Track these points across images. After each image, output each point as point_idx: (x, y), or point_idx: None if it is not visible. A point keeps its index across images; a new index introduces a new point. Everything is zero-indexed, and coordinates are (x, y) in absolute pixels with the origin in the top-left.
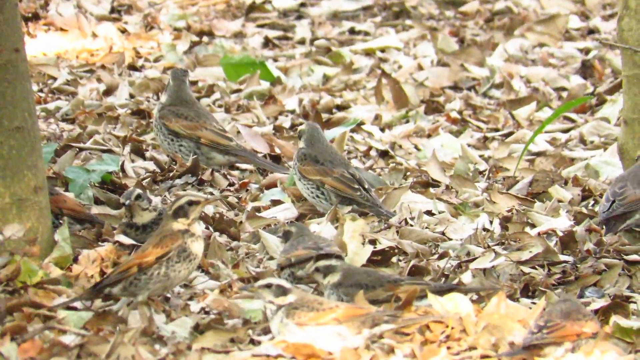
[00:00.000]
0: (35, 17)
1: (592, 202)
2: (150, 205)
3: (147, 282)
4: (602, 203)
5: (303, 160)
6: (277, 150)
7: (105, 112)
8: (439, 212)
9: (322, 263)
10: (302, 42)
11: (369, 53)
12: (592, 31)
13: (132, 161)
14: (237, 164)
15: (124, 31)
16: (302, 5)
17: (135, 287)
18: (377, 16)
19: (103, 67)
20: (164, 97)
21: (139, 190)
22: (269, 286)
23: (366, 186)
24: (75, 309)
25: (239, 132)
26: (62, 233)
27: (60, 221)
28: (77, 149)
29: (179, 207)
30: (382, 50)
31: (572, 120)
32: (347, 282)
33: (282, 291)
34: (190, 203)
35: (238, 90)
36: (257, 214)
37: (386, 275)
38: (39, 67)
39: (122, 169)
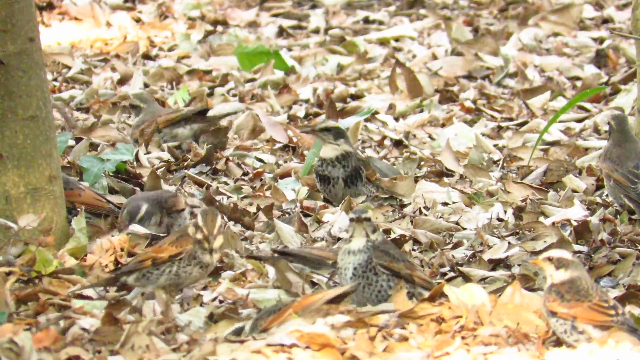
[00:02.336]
0: (50, 7)
1: (605, 192)
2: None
3: (158, 277)
4: (623, 185)
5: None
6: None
7: (120, 102)
8: (453, 202)
9: (370, 215)
10: (316, 31)
11: (383, 42)
12: (606, 20)
13: (147, 151)
14: (206, 129)
15: (138, 20)
16: None
17: (147, 280)
18: (392, 5)
19: (117, 56)
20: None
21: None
22: (368, 219)
23: None
24: (90, 298)
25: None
26: (79, 223)
27: (77, 210)
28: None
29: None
30: (397, 40)
31: (586, 110)
32: (381, 246)
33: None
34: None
35: (252, 80)
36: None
37: (404, 255)
38: (54, 56)
39: (137, 158)
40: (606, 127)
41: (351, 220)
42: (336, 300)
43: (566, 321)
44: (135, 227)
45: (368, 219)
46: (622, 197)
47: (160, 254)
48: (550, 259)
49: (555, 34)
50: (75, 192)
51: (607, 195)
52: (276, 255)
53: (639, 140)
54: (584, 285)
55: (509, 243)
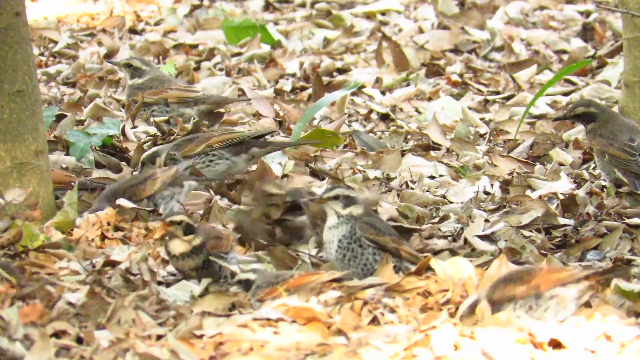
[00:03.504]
0: None
1: (592, 165)
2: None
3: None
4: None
5: (179, 148)
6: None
7: (106, 76)
8: (440, 175)
9: (342, 192)
10: (302, 5)
11: (369, 16)
12: None
13: (133, 125)
14: (212, 110)
15: None
16: None
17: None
18: None
19: (104, 30)
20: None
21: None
22: (336, 197)
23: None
24: (77, 273)
25: (241, 94)
26: (70, 197)
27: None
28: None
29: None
30: (383, 13)
31: (573, 83)
32: (364, 218)
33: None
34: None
35: (239, 54)
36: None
37: (392, 229)
38: (40, 30)
39: (123, 133)
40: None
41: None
42: (330, 283)
43: (527, 298)
44: (122, 201)
45: (333, 197)
46: (616, 171)
47: None
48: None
49: (542, 7)
50: None
51: (594, 169)
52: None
53: (621, 115)
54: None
55: (486, 220)
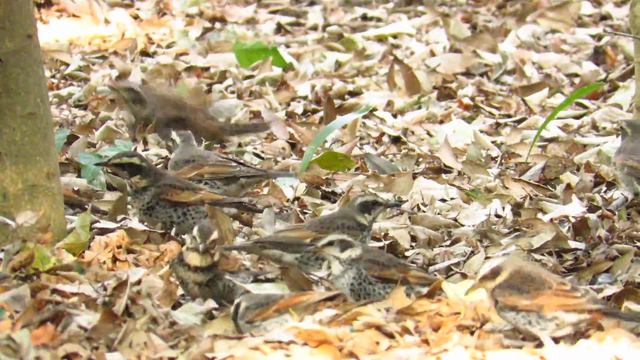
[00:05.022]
0: (48, 3)
1: (604, 188)
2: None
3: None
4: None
5: (175, 167)
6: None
7: (118, 98)
8: (451, 198)
9: (336, 237)
10: (314, 28)
11: (381, 39)
12: (604, 17)
13: (145, 147)
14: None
15: (136, 17)
16: None
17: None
18: (389, 2)
19: (115, 53)
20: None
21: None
22: (331, 243)
23: (241, 161)
24: (88, 295)
25: (252, 117)
26: (83, 220)
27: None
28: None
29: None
30: (395, 37)
31: (585, 107)
32: (366, 256)
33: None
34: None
35: (250, 77)
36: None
37: (395, 258)
38: (52, 53)
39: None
40: (604, 124)
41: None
42: (324, 302)
43: (529, 313)
44: (133, 223)
45: (327, 244)
46: (635, 183)
47: None
48: (485, 278)
49: (554, 31)
50: None
51: (605, 192)
52: (251, 244)
53: None
54: (538, 275)
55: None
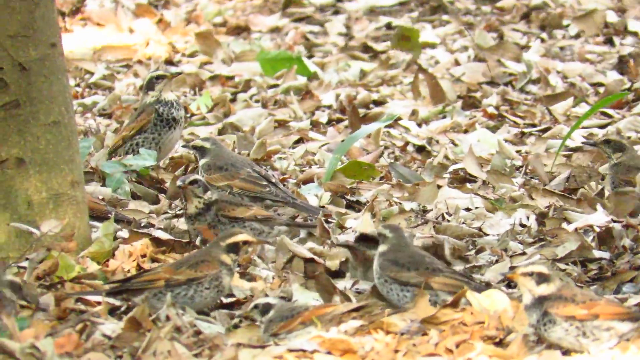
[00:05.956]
0: (73, 12)
1: None
2: (204, 195)
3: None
4: None
5: (208, 171)
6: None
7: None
8: (476, 208)
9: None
10: (339, 36)
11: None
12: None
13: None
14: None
15: (160, 23)
16: (339, 0)
17: (158, 301)
18: (414, 11)
19: (140, 62)
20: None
21: (195, 176)
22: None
23: (273, 181)
24: (112, 304)
25: (278, 125)
26: (106, 228)
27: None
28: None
29: (234, 243)
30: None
31: (609, 116)
32: (388, 255)
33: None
34: (245, 242)
35: (275, 86)
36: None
37: (430, 262)
38: (76, 61)
39: (159, 164)
40: (629, 134)
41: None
42: (349, 313)
43: (584, 323)
44: (158, 233)
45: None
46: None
47: (176, 275)
48: (529, 274)
49: (578, 39)
50: None
51: None
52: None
53: None
54: (578, 290)
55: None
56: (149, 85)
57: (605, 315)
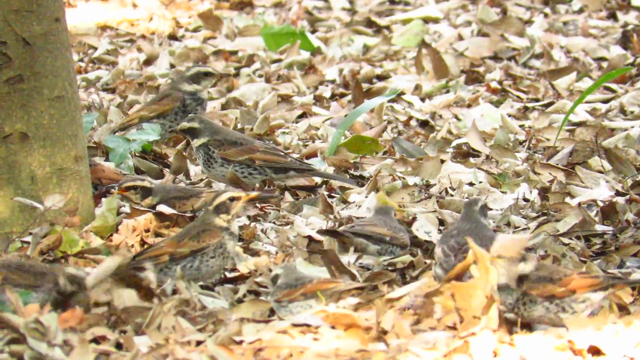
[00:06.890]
0: None
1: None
2: (142, 202)
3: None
4: None
5: (221, 147)
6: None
7: (146, 82)
8: (479, 182)
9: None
10: (342, 11)
11: (408, 23)
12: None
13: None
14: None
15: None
16: None
17: (165, 275)
18: None
19: (143, 36)
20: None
21: (135, 182)
22: None
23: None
24: None
25: (281, 100)
26: (110, 203)
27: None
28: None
29: (220, 203)
30: (425, 21)
31: (612, 91)
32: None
33: None
34: (232, 199)
35: (278, 60)
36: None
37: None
38: (79, 36)
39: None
40: (632, 108)
41: None
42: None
43: (563, 299)
44: (162, 207)
45: None
46: None
47: (179, 249)
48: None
49: (581, 14)
50: (98, 167)
51: (633, 176)
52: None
53: None
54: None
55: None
56: (195, 78)
57: (581, 288)
